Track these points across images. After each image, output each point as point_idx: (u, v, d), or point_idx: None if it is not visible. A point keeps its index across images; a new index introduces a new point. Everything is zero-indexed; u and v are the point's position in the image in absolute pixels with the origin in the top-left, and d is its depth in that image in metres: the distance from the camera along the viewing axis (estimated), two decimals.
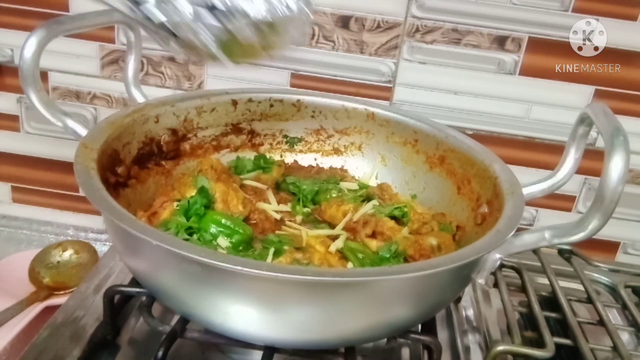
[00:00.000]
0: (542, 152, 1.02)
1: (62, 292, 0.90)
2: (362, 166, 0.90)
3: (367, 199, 0.81)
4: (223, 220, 0.68)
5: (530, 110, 1.00)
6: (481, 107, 1.00)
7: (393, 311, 0.55)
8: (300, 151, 0.91)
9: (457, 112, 1.00)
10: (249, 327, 0.54)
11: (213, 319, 0.55)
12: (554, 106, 0.99)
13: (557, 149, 1.01)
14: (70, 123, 0.68)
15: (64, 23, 0.66)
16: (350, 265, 0.68)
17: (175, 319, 0.63)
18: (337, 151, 0.91)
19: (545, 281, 0.84)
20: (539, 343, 0.69)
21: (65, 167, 1.08)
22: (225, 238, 0.67)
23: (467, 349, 0.74)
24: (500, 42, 0.96)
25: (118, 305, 0.72)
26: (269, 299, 0.51)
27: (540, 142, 1.02)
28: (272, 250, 0.65)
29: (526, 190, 0.69)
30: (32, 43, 0.63)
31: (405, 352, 0.73)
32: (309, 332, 0.54)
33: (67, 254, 0.97)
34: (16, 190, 1.10)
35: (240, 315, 0.53)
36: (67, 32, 0.67)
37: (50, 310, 0.86)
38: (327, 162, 0.91)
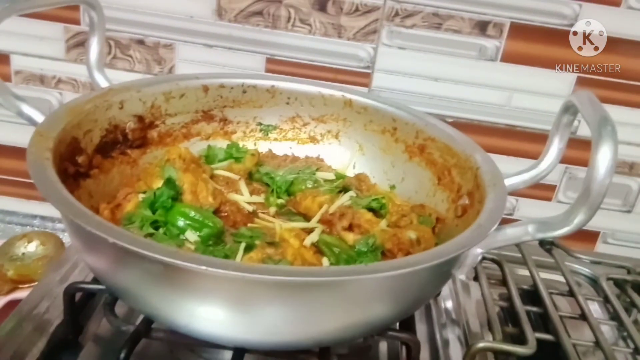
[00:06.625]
0: (523, 141, 1.01)
1: (26, 286, 0.87)
2: (339, 155, 0.87)
3: (344, 190, 0.77)
4: (191, 213, 0.65)
5: (511, 98, 0.99)
6: (461, 94, 0.98)
7: (370, 311, 0.52)
8: (275, 139, 0.88)
9: (437, 99, 0.99)
10: (216, 328, 0.51)
11: (178, 321, 0.51)
12: (536, 94, 0.98)
13: (538, 138, 1.00)
14: (26, 109, 0.64)
15: (18, 1, 0.61)
16: (325, 260, 0.65)
17: (141, 317, 0.60)
18: (313, 139, 0.88)
19: (526, 272, 0.83)
20: (520, 339, 0.67)
21: None
22: (194, 232, 0.64)
23: (446, 343, 0.72)
24: (481, 27, 0.94)
25: (80, 303, 0.68)
26: (236, 300, 0.48)
27: (521, 130, 1.01)
28: (243, 245, 0.61)
29: (508, 182, 0.66)
30: None
31: (383, 349, 0.71)
32: (280, 334, 0.51)
33: (33, 246, 0.94)
34: None
35: (207, 317, 0.50)
36: (22, 11, 0.63)
37: (14, 304, 0.81)
38: (303, 151, 0.87)
